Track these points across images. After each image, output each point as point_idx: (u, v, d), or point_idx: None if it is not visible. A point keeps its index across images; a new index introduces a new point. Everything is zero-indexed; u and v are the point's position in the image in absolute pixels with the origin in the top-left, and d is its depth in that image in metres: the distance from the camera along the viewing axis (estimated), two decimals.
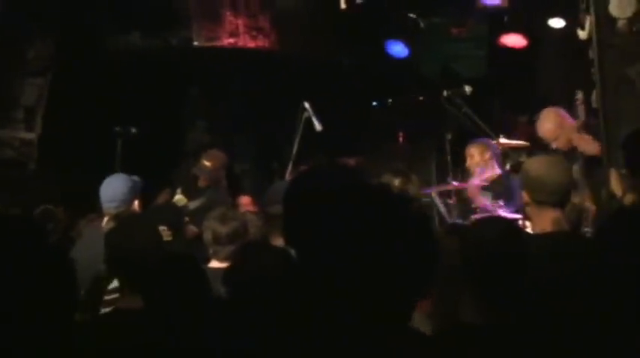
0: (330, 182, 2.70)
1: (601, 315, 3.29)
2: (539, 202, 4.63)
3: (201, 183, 9.54)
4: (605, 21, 7.22)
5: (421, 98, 11.44)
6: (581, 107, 8.24)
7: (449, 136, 9.55)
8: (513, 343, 3.31)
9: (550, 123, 8.04)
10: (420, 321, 3.77)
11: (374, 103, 12.41)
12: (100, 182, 6.94)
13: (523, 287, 3.49)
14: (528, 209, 4.74)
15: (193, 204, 9.06)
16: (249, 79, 12.22)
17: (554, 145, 7.87)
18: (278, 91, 11.76)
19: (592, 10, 7.17)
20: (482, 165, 9.23)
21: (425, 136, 12.14)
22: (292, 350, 2.35)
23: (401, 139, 12.11)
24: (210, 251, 5.65)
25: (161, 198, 9.17)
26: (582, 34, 7.81)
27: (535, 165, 4.82)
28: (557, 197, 4.63)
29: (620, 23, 7.38)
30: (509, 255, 3.52)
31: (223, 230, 5.60)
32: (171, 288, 3.77)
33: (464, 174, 10.04)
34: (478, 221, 4.70)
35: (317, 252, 2.46)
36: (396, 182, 5.58)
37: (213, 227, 5.69)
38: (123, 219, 5.56)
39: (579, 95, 8.13)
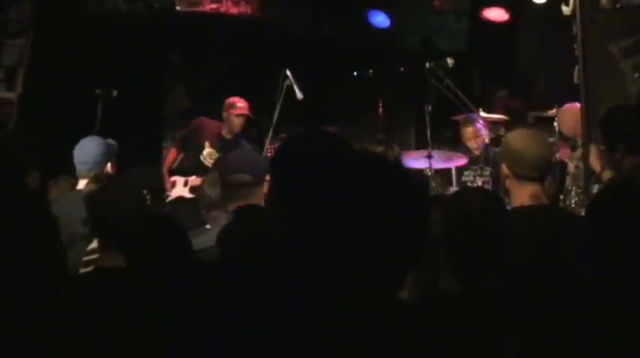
0: (320, 148, 2.71)
1: (575, 288, 3.35)
2: (519, 176, 4.67)
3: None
4: None
5: (402, 69, 11.45)
6: None
7: (429, 108, 9.56)
8: (489, 311, 3.36)
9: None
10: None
11: (354, 73, 12.41)
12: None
13: (502, 259, 3.53)
14: (508, 182, 4.78)
15: None
16: (230, 45, 12.19)
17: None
18: (258, 59, 11.75)
19: None
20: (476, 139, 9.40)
21: (405, 107, 12.19)
22: (273, 315, 2.37)
23: (380, 110, 12.13)
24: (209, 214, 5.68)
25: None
26: (566, 10, 7.84)
27: (515, 139, 4.85)
28: (537, 171, 4.67)
29: (604, 0, 7.43)
30: (490, 226, 3.55)
31: (213, 193, 5.63)
32: (153, 248, 3.79)
33: (443, 146, 10.12)
34: (460, 191, 4.74)
35: (306, 218, 2.46)
36: (378, 150, 5.60)
37: (207, 191, 5.73)
38: (105, 180, 5.55)
39: None
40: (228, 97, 10.06)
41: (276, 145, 10.63)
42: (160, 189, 6.29)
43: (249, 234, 3.69)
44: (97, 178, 6.34)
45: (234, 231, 3.93)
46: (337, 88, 12.61)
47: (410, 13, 12.84)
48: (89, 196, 4.54)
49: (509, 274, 3.72)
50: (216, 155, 9.49)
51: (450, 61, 8.97)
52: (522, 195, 4.64)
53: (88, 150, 6.77)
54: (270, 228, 3.70)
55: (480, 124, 9.53)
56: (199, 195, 5.97)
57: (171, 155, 10.08)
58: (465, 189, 5.45)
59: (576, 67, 7.18)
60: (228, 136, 9.71)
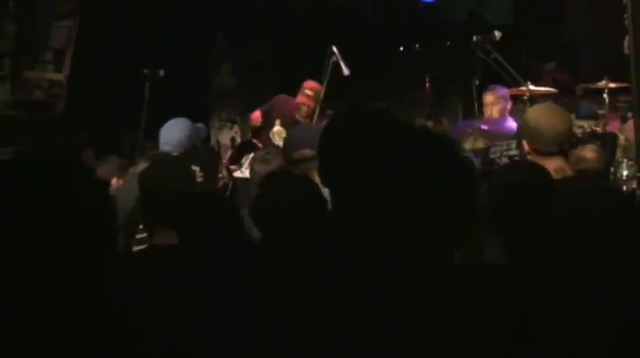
0: (370, 124, 2.71)
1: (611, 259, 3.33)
2: (539, 151, 4.67)
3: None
4: None
5: (448, 43, 11.39)
6: None
7: (476, 82, 9.51)
8: (536, 281, 3.35)
9: None
10: None
11: (400, 48, 12.36)
12: (126, 124, 7.04)
13: (550, 232, 3.51)
14: (530, 158, 4.77)
15: None
16: (275, 22, 12.19)
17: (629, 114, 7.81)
18: (304, 36, 11.74)
19: None
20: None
21: (452, 82, 12.13)
22: (324, 292, 2.37)
23: (427, 85, 12.08)
24: None
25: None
26: None
27: (532, 116, 4.86)
28: (556, 146, 4.67)
29: None
30: (536, 198, 3.54)
31: (261, 169, 5.64)
32: (206, 226, 3.82)
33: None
34: (506, 164, 4.72)
35: (355, 195, 2.46)
36: (428, 124, 5.59)
37: (257, 168, 5.74)
38: (156, 159, 5.60)
39: None
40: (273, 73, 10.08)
41: (324, 121, 10.67)
42: (213, 168, 6.28)
43: (285, 206, 3.74)
44: (150, 157, 6.41)
45: (267, 203, 3.92)
46: (384, 64, 12.57)
47: None
48: (140, 175, 4.59)
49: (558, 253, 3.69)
50: (284, 134, 9.50)
51: (497, 34, 8.87)
52: None
53: (172, 131, 6.92)
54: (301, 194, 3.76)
55: (499, 94, 9.41)
56: (251, 173, 5.99)
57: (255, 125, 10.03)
58: (511, 163, 5.43)
59: (626, 38, 7.10)
60: (299, 118, 9.68)
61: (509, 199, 3.55)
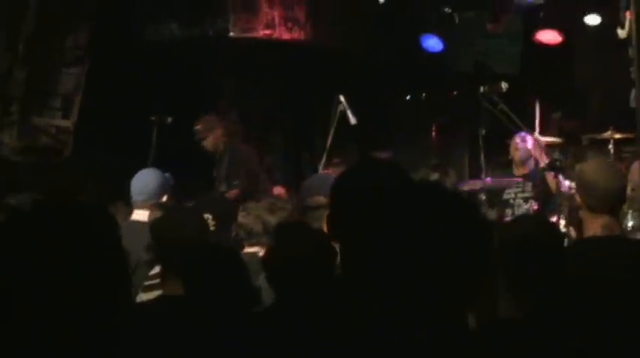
0: (379, 177, 2.72)
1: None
2: (591, 207, 4.69)
3: None
4: None
5: (455, 93, 11.43)
6: None
7: (482, 132, 9.52)
8: (550, 336, 3.33)
9: None
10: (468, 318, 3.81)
11: (407, 97, 12.39)
12: (134, 170, 7.06)
13: (561, 285, 3.51)
14: (581, 213, 4.80)
15: None
16: (283, 70, 12.25)
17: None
18: (312, 84, 11.79)
19: (632, 7, 7.14)
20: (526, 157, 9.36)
21: (458, 131, 12.16)
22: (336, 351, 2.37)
23: (434, 134, 12.11)
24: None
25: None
26: (622, 33, 7.78)
27: (588, 170, 4.88)
28: (608, 203, 4.68)
29: None
30: (545, 251, 3.55)
31: (273, 219, 5.64)
32: (212, 278, 3.82)
33: (496, 170, 10.08)
34: (516, 218, 4.75)
35: (364, 249, 2.46)
36: (434, 176, 5.58)
37: (263, 217, 5.73)
38: (170, 208, 5.62)
39: None
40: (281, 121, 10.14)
41: (331, 170, 10.69)
42: (226, 216, 6.27)
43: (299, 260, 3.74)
44: (162, 206, 6.43)
45: (282, 256, 3.92)
46: (390, 112, 12.61)
47: (463, 36, 12.81)
48: (154, 223, 4.60)
49: (577, 302, 3.69)
50: None
51: (504, 85, 8.90)
52: (595, 226, 4.66)
53: (146, 181, 6.92)
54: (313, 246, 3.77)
55: (528, 144, 9.47)
56: (255, 222, 5.94)
57: None
58: (520, 217, 5.46)
59: (632, 91, 7.13)
60: None
61: (519, 255, 3.56)
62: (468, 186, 9.15)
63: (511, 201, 9.50)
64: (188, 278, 3.90)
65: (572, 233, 7.03)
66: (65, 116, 10.81)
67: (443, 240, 2.30)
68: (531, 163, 9.48)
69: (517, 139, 9.46)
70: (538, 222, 3.84)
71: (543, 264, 3.52)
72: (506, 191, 9.51)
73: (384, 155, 10.94)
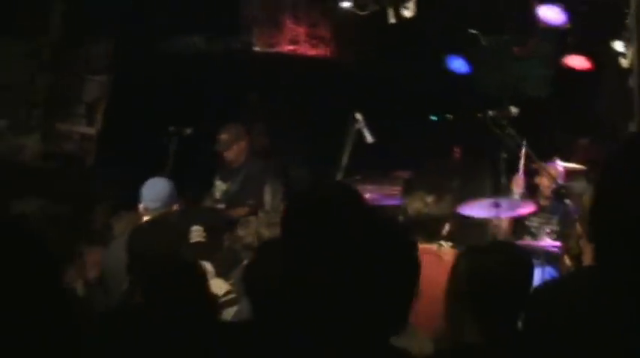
0: (330, 202, 2.74)
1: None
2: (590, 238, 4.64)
3: None
4: None
5: (479, 115, 11.38)
6: None
7: (504, 156, 9.46)
8: None
9: None
10: (425, 344, 3.80)
11: (432, 117, 12.36)
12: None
13: (525, 314, 3.50)
14: (581, 242, 4.76)
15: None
16: (307, 86, 12.26)
17: None
18: (336, 101, 11.79)
19: (633, 38, 7.08)
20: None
21: (481, 154, 12.08)
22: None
23: (457, 155, 12.05)
24: None
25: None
26: (624, 62, 7.70)
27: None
28: None
29: None
30: (512, 280, 3.53)
31: (267, 233, 5.61)
32: (167, 294, 3.83)
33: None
34: (485, 245, 4.69)
35: (307, 265, 2.55)
36: (429, 199, 5.54)
37: (260, 231, 5.72)
38: (152, 219, 5.63)
39: None
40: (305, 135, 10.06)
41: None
42: (217, 228, 6.29)
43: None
44: (170, 215, 6.46)
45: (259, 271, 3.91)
46: (414, 132, 12.57)
47: (489, 58, 12.76)
48: (131, 232, 4.62)
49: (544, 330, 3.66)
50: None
51: (513, 110, 8.82)
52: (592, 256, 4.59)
53: (158, 189, 6.96)
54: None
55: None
56: (254, 236, 5.94)
57: None
58: (490, 243, 5.43)
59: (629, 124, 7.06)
60: None
61: (486, 283, 3.55)
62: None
63: (533, 229, 9.41)
64: (144, 288, 3.91)
65: (567, 262, 6.96)
66: (89, 123, 10.89)
67: (370, 269, 2.43)
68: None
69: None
70: (507, 251, 3.81)
71: (507, 292, 3.50)
72: (531, 218, 9.42)
73: (404, 175, 10.92)
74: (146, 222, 5.19)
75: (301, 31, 11.83)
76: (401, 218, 5.60)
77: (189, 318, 3.67)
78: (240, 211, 8.76)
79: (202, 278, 4.06)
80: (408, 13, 10.53)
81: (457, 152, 11.99)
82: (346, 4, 11.23)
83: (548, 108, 12.08)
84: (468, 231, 8.18)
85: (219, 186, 9.62)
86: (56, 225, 5.23)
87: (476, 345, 3.46)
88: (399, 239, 2.50)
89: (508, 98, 11.71)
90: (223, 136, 9.58)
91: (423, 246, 5.38)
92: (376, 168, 10.94)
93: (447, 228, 5.52)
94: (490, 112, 8.79)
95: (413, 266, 2.49)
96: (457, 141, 12.09)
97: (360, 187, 10.59)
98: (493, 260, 3.63)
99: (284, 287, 2.61)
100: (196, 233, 5.66)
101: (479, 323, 3.52)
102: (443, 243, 5.50)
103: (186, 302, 3.81)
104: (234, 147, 9.61)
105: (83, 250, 5.91)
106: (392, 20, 10.72)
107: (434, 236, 5.44)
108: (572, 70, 12.13)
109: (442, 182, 11.00)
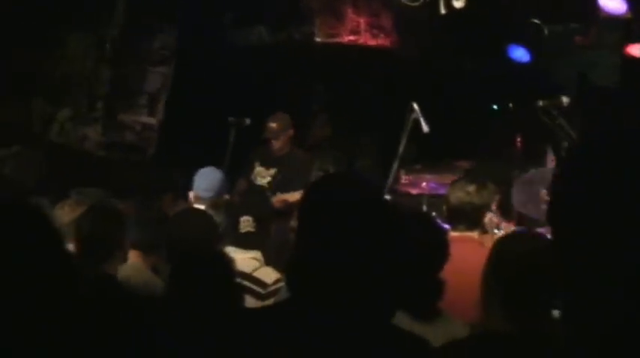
0: (345, 192, 2.80)
1: None
2: None
3: None
4: None
5: (540, 103, 11.27)
6: None
7: (565, 144, 9.35)
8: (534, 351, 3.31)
9: None
10: (461, 330, 3.80)
11: (494, 107, 12.28)
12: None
13: (553, 302, 3.48)
14: None
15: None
16: (368, 76, 12.27)
17: None
18: (397, 90, 11.78)
19: None
20: None
21: (543, 143, 11.96)
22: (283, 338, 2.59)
23: (518, 145, 11.95)
24: None
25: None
26: None
27: None
28: None
29: None
30: (536, 267, 3.50)
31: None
32: (191, 284, 3.88)
33: None
34: (509, 234, 4.67)
35: (319, 251, 2.67)
36: (470, 188, 5.55)
37: None
38: (188, 208, 5.69)
39: None
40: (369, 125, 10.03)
41: (412, 177, 10.69)
42: (266, 218, 6.30)
43: None
44: (215, 204, 6.54)
45: None
46: (476, 122, 12.51)
47: (551, 47, 12.60)
48: (170, 220, 4.69)
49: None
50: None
51: (565, 100, 8.68)
52: None
53: (211, 178, 7.10)
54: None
55: None
56: None
57: None
58: (513, 232, 5.40)
59: None
60: None
61: (509, 267, 3.53)
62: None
63: None
64: (170, 275, 3.97)
65: None
66: (151, 114, 11.03)
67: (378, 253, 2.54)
68: None
69: None
70: (530, 238, 3.79)
71: (536, 283, 3.47)
72: None
73: (464, 164, 10.90)
74: (183, 210, 5.27)
75: (362, 21, 11.83)
76: (444, 207, 5.65)
77: (207, 305, 3.73)
78: (289, 197, 8.79)
79: (227, 269, 4.10)
80: (458, 4, 10.49)
81: (519, 141, 11.88)
82: None
83: (615, 97, 11.89)
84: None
85: (261, 172, 9.62)
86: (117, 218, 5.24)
87: (505, 334, 3.44)
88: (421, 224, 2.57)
89: (573, 87, 11.62)
90: (272, 125, 9.60)
91: (464, 235, 5.43)
92: (439, 158, 10.96)
93: (487, 216, 5.53)
94: (540, 102, 8.66)
95: (439, 250, 2.56)
96: (519, 131, 11.98)
97: (419, 176, 10.67)
98: (522, 247, 3.61)
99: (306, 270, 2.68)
100: (245, 223, 5.71)
101: (506, 311, 3.51)
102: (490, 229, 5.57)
103: (207, 290, 3.86)
104: (281, 136, 9.64)
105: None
106: (443, 11, 10.68)
107: (476, 224, 5.47)
108: (636, 59, 11.93)
109: (503, 171, 11.06)
